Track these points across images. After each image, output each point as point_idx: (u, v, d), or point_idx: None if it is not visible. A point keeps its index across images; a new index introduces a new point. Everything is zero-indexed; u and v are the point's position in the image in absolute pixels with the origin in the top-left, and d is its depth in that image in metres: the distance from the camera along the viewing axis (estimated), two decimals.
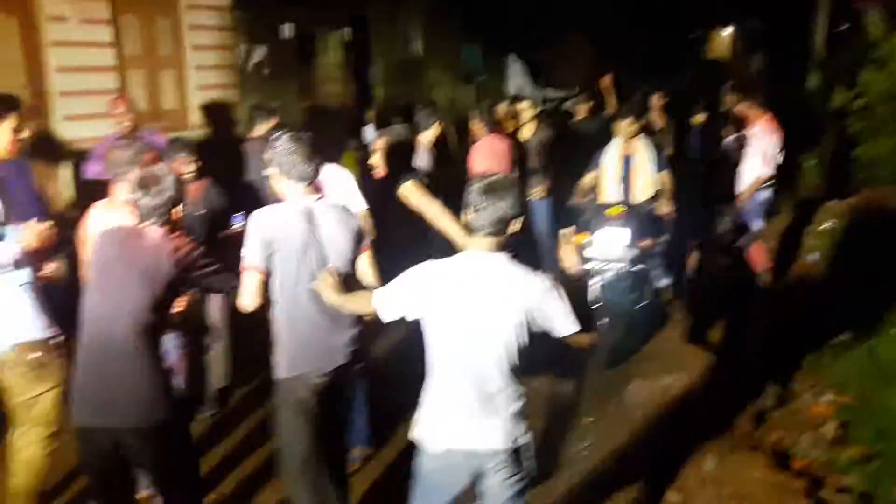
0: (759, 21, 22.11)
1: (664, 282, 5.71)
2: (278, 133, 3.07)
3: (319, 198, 3.08)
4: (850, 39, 12.17)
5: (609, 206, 5.36)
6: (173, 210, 2.86)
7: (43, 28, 6.89)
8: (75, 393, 2.73)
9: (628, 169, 5.54)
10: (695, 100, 9.76)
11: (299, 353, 2.99)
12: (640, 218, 5.24)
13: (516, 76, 13.30)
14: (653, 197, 5.54)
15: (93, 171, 5.76)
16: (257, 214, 2.96)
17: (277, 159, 2.97)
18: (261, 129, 5.83)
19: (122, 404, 2.64)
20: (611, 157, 5.66)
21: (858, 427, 3.85)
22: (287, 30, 9.77)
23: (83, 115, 7.10)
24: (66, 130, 7.06)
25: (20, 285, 3.05)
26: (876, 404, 3.96)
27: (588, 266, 4.94)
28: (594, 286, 5.01)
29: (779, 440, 3.87)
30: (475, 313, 2.47)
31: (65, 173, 7.05)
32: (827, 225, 7.32)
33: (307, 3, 10.18)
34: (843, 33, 15.17)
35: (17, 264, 3.02)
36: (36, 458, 3.17)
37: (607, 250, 5.03)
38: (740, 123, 7.41)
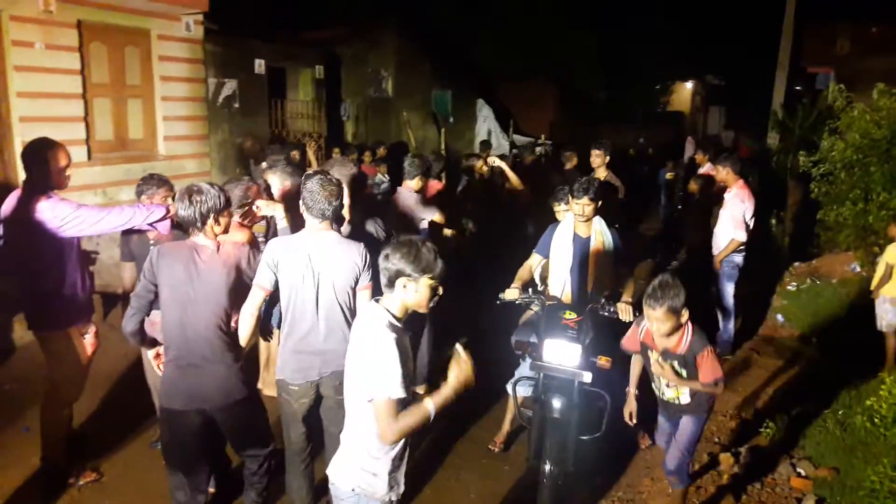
0: (719, 77, 22.99)
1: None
2: (310, 172, 3.46)
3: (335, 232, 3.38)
4: (805, 101, 12.66)
5: (560, 305, 4.17)
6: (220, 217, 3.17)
7: (7, 52, 6.65)
8: (169, 385, 3.20)
9: (583, 256, 4.39)
10: (655, 154, 9.99)
11: (287, 362, 3.40)
12: (597, 328, 4.01)
13: (485, 121, 13.40)
14: (609, 295, 4.30)
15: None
16: (272, 241, 3.40)
17: (304, 195, 3.30)
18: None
19: (212, 391, 3.17)
20: (560, 239, 4.48)
21: (836, 503, 3.83)
22: (259, 65, 9.67)
23: None
24: None
25: None
26: (852, 479, 3.96)
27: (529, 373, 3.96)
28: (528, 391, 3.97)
29: None
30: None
31: None
32: (792, 286, 7.48)
33: (280, 39, 10.13)
34: (799, 93, 15.82)
35: None
36: None
37: (560, 359, 3.79)
38: (707, 182, 7.55)
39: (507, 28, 14.23)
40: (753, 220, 6.14)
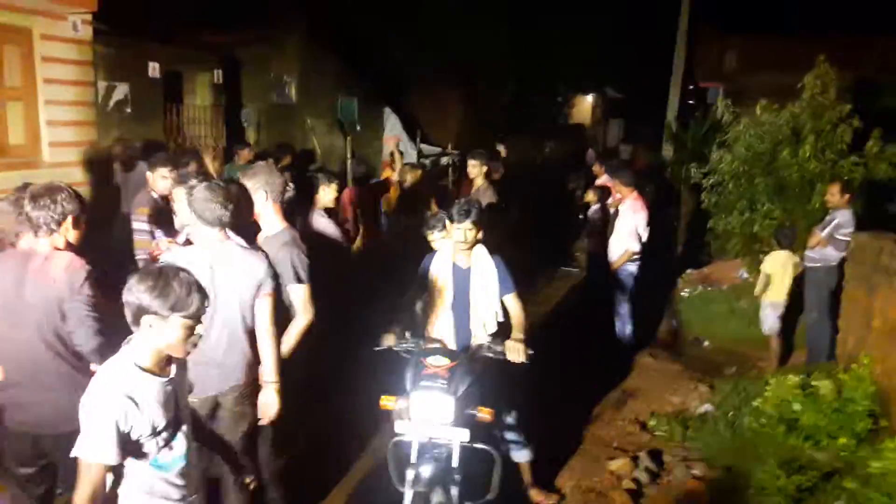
0: (618, 91, 23.83)
1: (522, 455, 4.00)
2: (194, 181, 3.27)
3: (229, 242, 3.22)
4: (697, 114, 13.31)
5: (433, 350, 3.52)
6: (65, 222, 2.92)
7: None
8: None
9: (464, 289, 3.85)
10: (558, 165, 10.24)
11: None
12: (475, 374, 3.40)
13: (392, 130, 13.34)
14: (495, 334, 3.81)
15: None
16: (166, 256, 3.29)
17: (193, 205, 3.12)
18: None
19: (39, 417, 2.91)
20: (438, 272, 3.92)
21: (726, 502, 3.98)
22: (153, 68, 9.26)
23: None
24: None
25: None
26: (743, 480, 4.13)
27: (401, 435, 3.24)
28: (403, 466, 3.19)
29: None
30: None
31: None
32: (685, 293, 7.79)
33: (175, 42, 9.75)
34: (692, 107, 16.61)
35: None
36: None
37: (430, 416, 3.21)
38: (604, 193, 7.78)
39: (416, 34, 14.23)
40: (648, 230, 6.35)
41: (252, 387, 3.26)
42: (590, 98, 24.58)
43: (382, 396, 3.31)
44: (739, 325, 6.85)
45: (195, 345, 2.21)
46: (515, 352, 3.53)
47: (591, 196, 7.90)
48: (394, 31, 13.78)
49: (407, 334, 3.68)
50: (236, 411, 3.23)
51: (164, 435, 2.23)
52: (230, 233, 3.25)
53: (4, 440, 3.01)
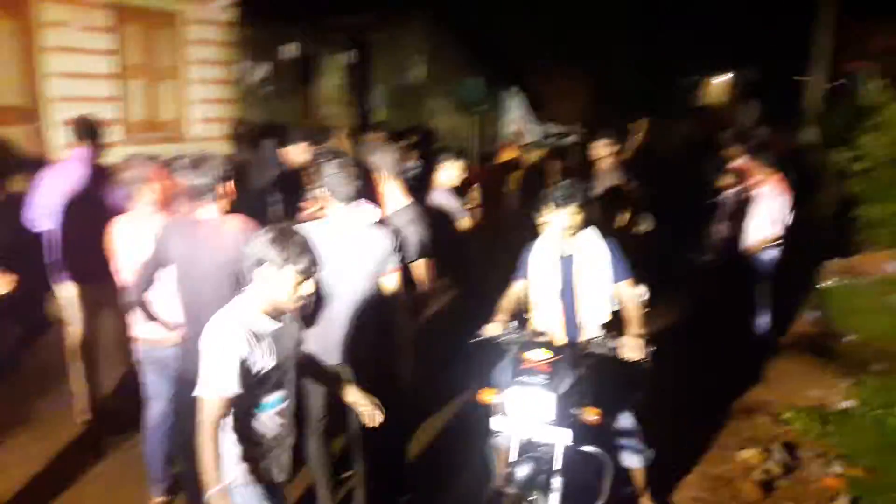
0: (755, 70, 22.52)
1: (635, 461, 3.61)
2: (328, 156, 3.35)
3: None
4: (844, 96, 12.37)
5: (535, 343, 3.24)
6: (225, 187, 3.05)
7: (41, 33, 6.72)
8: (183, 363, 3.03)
9: (571, 277, 3.51)
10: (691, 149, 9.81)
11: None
12: (579, 370, 3.14)
13: (517, 109, 13.28)
14: (608, 325, 3.50)
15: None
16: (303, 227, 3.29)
17: (325, 180, 3.23)
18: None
19: None
20: (541, 260, 3.58)
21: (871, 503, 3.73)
22: (290, 49, 9.67)
23: None
24: (60, 136, 6.86)
25: None
26: (888, 480, 3.85)
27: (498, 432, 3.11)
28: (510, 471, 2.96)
29: None
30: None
31: None
32: (828, 283, 7.30)
33: (312, 24, 10.11)
34: (837, 89, 15.46)
35: None
36: None
37: (529, 413, 2.96)
38: (741, 176, 7.39)
39: (542, 15, 14.05)
40: (791, 215, 6.00)
41: (372, 358, 3.34)
42: (725, 78, 23.40)
43: (481, 390, 3.12)
44: (890, 320, 6.33)
45: (303, 301, 2.40)
46: (632, 348, 3.18)
47: (725, 180, 7.51)
48: (519, 10, 13.66)
49: (510, 325, 3.42)
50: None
51: (271, 376, 2.41)
52: (358, 208, 3.34)
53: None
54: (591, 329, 3.48)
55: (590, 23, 14.63)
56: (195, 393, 2.32)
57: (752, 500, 3.88)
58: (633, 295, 3.46)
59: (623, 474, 3.54)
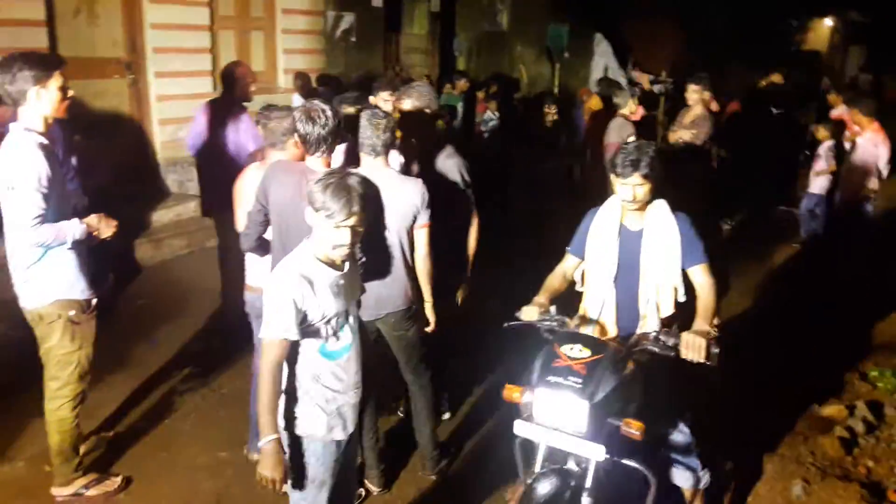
0: (861, 13, 21.04)
1: (687, 480, 3.05)
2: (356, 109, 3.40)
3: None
4: None
5: (575, 334, 2.73)
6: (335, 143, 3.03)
7: None
8: None
9: (633, 259, 3.03)
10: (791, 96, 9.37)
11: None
12: (625, 372, 2.61)
13: (602, 56, 12.95)
14: (672, 318, 3.00)
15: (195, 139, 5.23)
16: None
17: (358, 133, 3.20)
18: None
19: None
20: (600, 234, 3.10)
21: None
22: None
23: (175, 73, 7.22)
24: (159, 87, 7.19)
25: (69, 244, 3.07)
26: None
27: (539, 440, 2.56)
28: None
29: (872, 470, 3.68)
30: None
31: (159, 129, 7.24)
32: None
33: None
34: None
35: (76, 243, 3.09)
36: (67, 417, 3.27)
37: (557, 421, 2.48)
38: (840, 127, 7.05)
39: None
40: (889, 167, 5.73)
41: (409, 310, 3.34)
42: (828, 22, 21.97)
43: (507, 386, 2.63)
44: None
45: (348, 250, 2.39)
46: (693, 348, 2.60)
47: (823, 132, 7.19)
48: None
49: (552, 308, 2.90)
50: (396, 335, 3.38)
51: (334, 323, 2.43)
52: (390, 160, 3.31)
53: None
54: (651, 321, 3.00)
55: None
56: (259, 335, 2.36)
57: (832, 457, 3.83)
58: (707, 283, 2.93)
59: (674, 494, 3.05)
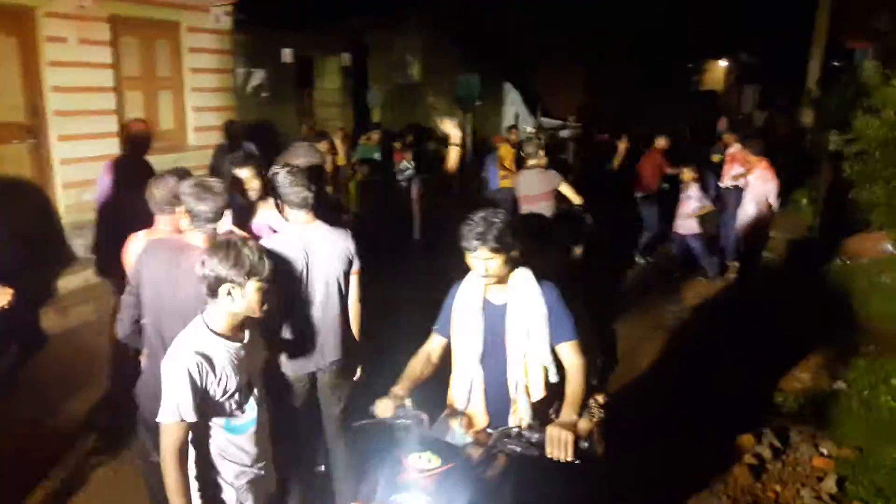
0: (753, 55, 22.52)
1: None
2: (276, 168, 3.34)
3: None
4: (842, 78, 12.35)
5: (428, 437, 2.44)
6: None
7: (42, 48, 6.84)
8: (146, 398, 2.83)
9: (497, 336, 2.71)
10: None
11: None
12: (488, 477, 2.41)
13: (513, 104, 13.37)
14: (545, 402, 2.72)
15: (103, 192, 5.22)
16: (265, 242, 3.13)
17: (279, 191, 3.23)
18: None
19: None
20: (464, 310, 2.77)
21: (857, 483, 3.83)
22: (287, 54, 9.79)
23: (78, 136, 7.06)
24: (62, 150, 7.00)
25: None
26: (875, 460, 3.95)
27: None
28: None
29: (780, 494, 3.83)
30: None
31: (63, 193, 7.03)
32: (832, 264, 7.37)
33: (307, 29, 10.22)
34: (836, 70, 15.42)
35: None
36: None
37: None
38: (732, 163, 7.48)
39: (535, 8, 14.09)
40: (779, 200, 6.10)
41: (346, 361, 3.40)
42: (722, 63, 23.38)
43: (356, 502, 2.36)
44: (881, 301, 6.42)
45: (267, 306, 2.36)
46: (559, 445, 2.26)
47: (688, 173, 7.51)
48: (512, 4, 13.73)
49: (407, 402, 2.52)
50: (335, 384, 3.40)
51: (237, 397, 2.37)
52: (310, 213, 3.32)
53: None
54: (522, 407, 2.67)
55: (584, 13, 14.67)
56: (157, 419, 2.27)
57: (743, 485, 3.98)
58: (576, 363, 2.61)
59: None
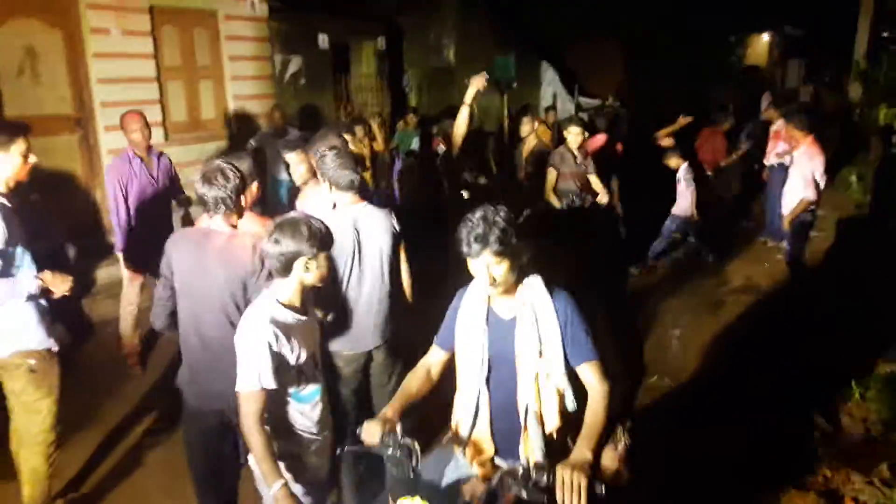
0: (798, 27, 21.81)
1: None
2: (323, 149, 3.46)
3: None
4: (892, 49, 11.94)
5: (416, 478, 2.09)
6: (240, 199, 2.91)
7: (86, 40, 6.97)
8: (187, 385, 2.96)
9: (505, 355, 2.35)
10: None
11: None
12: None
13: (550, 84, 13.21)
14: (562, 432, 2.34)
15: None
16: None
17: (326, 172, 3.35)
18: None
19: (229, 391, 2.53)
20: (469, 321, 2.41)
21: None
22: (323, 40, 9.80)
23: None
24: (109, 141, 7.14)
25: (25, 297, 3.13)
26: None
27: None
28: None
29: (829, 480, 3.76)
30: None
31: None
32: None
33: (342, 14, 10.21)
34: (886, 41, 14.89)
35: (31, 297, 3.13)
36: (39, 467, 3.30)
37: None
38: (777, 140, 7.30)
39: None
40: (825, 177, 5.94)
41: (397, 339, 3.49)
42: (766, 37, 22.74)
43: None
44: None
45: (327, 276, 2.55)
46: (570, 489, 1.90)
47: (675, 160, 7.34)
48: None
49: (398, 428, 2.14)
50: (388, 363, 3.49)
51: (305, 368, 2.49)
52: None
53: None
54: (534, 438, 2.29)
55: None
56: (236, 388, 2.34)
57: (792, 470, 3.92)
58: (597, 388, 2.24)
59: None
